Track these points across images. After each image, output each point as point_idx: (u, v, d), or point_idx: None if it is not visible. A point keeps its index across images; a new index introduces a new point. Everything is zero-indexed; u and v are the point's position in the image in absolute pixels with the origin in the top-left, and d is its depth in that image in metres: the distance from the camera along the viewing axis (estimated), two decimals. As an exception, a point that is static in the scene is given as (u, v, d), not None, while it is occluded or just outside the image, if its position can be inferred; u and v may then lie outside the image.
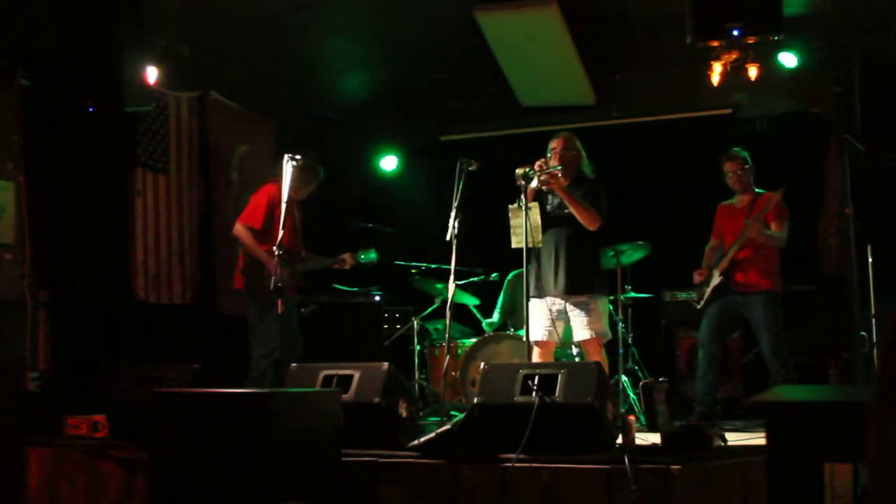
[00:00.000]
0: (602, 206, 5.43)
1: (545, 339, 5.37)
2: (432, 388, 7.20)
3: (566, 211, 5.40)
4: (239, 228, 5.87)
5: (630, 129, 8.01)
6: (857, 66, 7.01)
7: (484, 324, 7.32)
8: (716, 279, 5.86)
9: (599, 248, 5.71)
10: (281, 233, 5.19)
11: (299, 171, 5.48)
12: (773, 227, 5.78)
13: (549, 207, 5.48)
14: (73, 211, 5.72)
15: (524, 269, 5.25)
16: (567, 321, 5.40)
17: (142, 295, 6.14)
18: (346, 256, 6.22)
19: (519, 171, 5.23)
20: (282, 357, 5.49)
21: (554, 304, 5.39)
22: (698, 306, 6.00)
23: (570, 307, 5.38)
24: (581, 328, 5.35)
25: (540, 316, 5.38)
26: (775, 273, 5.82)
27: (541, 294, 5.41)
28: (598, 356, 5.30)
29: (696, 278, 6.01)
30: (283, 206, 5.25)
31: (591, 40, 7.13)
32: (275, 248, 5.18)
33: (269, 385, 5.61)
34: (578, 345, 5.70)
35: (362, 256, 6.28)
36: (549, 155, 5.48)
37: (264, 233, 5.80)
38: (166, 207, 6.38)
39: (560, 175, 5.37)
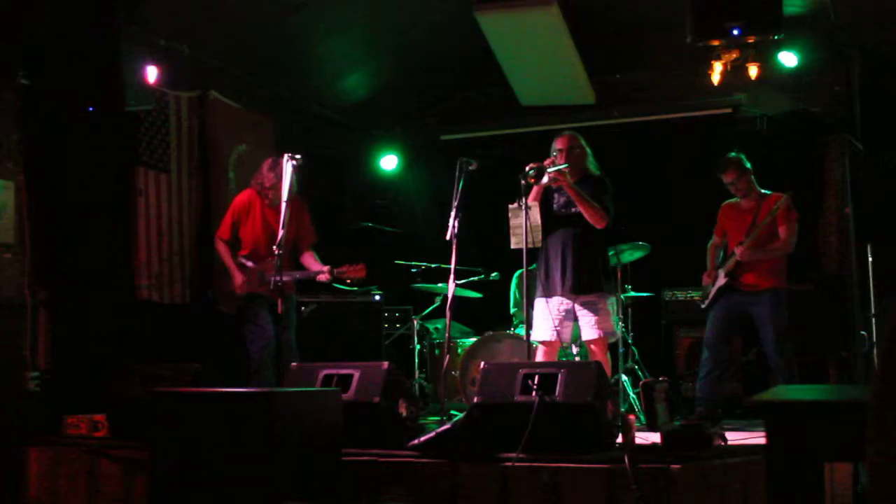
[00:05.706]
0: (608, 204, 5.43)
1: (552, 339, 5.36)
2: (432, 388, 7.20)
3: (573, 210, 5.38)
4: (216, 242, 6.02)
5: (630, 129, 8.01)
6: (857, 66, 7.01)
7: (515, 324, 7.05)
8: (721, 279, 5.86)
9: (606, 247, 5.67)
10: (281, 233, 5.20)
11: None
12: (781, 231, 5.75)
13: (555, 206, 5.47)
14: (74, 210, 5.71)
15: (524, 269, 5.25)
16: (575, 321, 5.40)
17: (144, 294, 6.13)
18: (327, 270, 5.73)
19: (529, 168, 5.22)
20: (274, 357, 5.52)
21: (562, 303, 5.37)
22: (703, 306, 6.00)
23: (578, 307, 5.36)
24: (590, 328, 5.34)
25: (547, 316, 5.37)
26: (781, 272, 5.81)
27: (548, 294, 5.39)
28: (603, 355, 5.31)
29: (705, 280, 6.01)
30: (284, 205, 5.25)
31: (591, 40, 7.14)
32: (275, 247, 5.22)
33: (267, 382, 5.61)
34: (581, 344, 5.70)
35: (336, 274, 5.74)
36: (554, 154, 5.45)
37: (235, 241, 5.95)
38: (168, 206, 6.37)
39: (567, 173, 5.36)
